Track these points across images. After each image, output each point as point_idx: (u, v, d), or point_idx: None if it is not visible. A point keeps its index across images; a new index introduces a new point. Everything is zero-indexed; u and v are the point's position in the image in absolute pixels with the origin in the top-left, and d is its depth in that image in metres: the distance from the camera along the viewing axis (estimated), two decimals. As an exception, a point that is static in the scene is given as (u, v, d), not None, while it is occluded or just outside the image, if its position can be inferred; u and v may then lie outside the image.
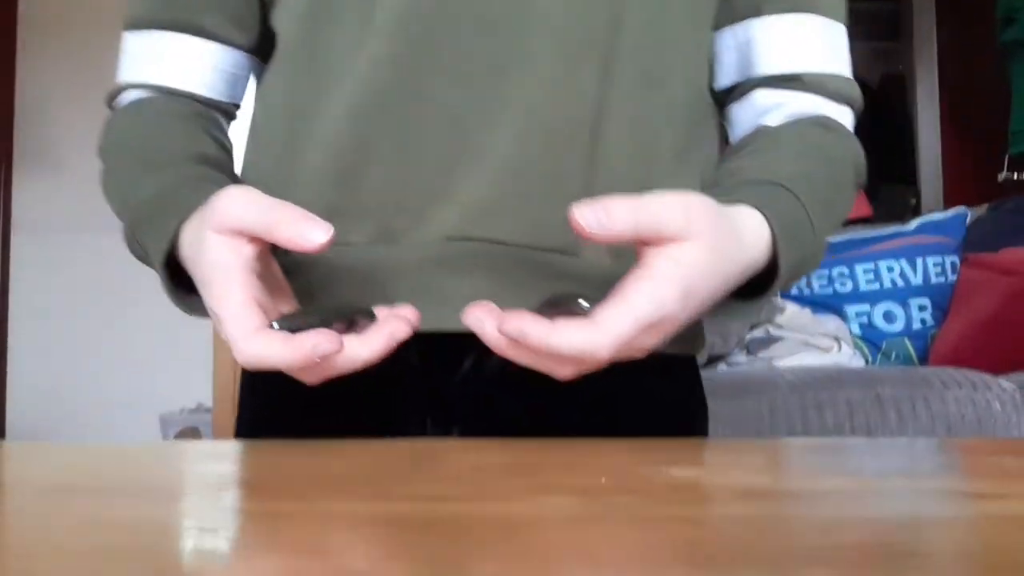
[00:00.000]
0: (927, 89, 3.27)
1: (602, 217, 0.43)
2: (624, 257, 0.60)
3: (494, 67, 0.56)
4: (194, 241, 0.48)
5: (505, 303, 0.55)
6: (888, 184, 3.21)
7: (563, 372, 0.46)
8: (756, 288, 0.52)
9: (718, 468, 0.37)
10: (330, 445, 0.48)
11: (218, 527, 0.25)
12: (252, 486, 0.34)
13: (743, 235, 0.49)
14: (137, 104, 0.65)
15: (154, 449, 0.47)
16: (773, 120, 0.64)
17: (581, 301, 0.44)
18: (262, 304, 0.46)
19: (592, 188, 0.57)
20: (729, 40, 0.64)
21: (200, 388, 3.30)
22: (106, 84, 0.68)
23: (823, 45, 0.63)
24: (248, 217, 0.45)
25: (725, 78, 0.66)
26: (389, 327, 0.45)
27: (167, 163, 0.58)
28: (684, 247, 0.45)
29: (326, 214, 0.57)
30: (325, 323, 0.45)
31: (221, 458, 0.43)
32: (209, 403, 3.19)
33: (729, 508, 0.28)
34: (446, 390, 0.60)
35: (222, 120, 0.68)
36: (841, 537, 0.23)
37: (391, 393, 0.60)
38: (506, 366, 0.56)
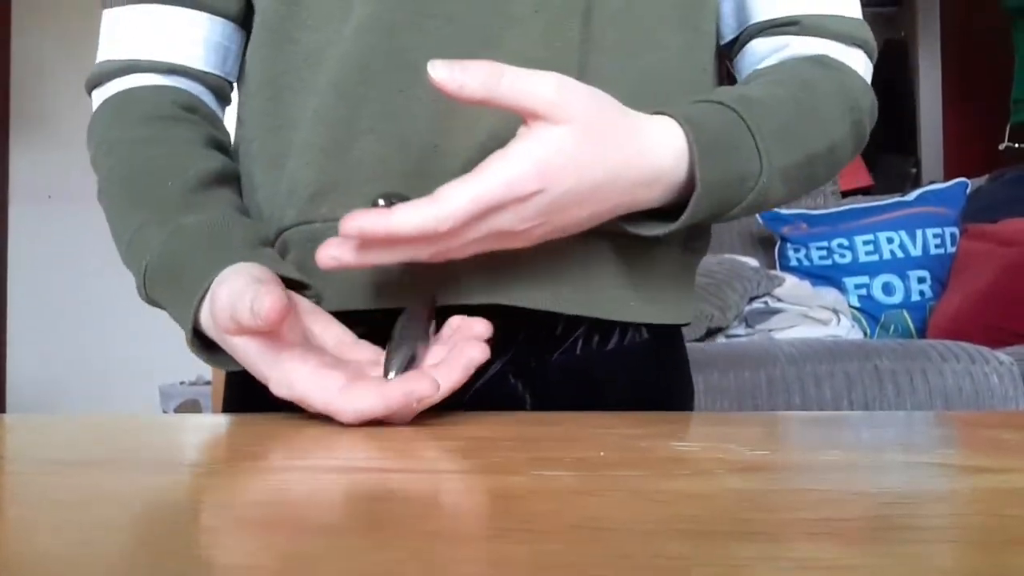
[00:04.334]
0: (929, 56, 3.25)
1: (457, 73, 0.43)
2: None
3: (479, 28, 0.55)
4: (218, 337, 0.48)
5: (516, 264, 0.54)
6: (888, 153, 3.20)
7: (423, 255, 0.46)
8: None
9: (716, 441, 0.38)
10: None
11: (220, 501, 0.25)
12: (254, 458, 0.34)
13: (648, 137, 0.48)
14: (122, 105, 0.61)
15: (154, 422, 0.47)
16: (770, 63, 0.61)
17: (392, 197, 0.47)
18: (316, 342, 0.47)
19: None
20: None
21: (200, 361, 3.31)
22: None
23: None
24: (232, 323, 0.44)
25: (727, 30, 0.64)
26: (465, 356, 0.45)
27: (165, 210, 0.54)
28: (551, 128, 0.44)
29: (317, 189, 0.56)
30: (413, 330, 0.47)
31: (222, 431, 0.43)
32: (208, 376, 3.19)
33: (728, 481, 0.28)
34: None
35: (215, 107, 0.65)
36: (840, 510, 0.23)
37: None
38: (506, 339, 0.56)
